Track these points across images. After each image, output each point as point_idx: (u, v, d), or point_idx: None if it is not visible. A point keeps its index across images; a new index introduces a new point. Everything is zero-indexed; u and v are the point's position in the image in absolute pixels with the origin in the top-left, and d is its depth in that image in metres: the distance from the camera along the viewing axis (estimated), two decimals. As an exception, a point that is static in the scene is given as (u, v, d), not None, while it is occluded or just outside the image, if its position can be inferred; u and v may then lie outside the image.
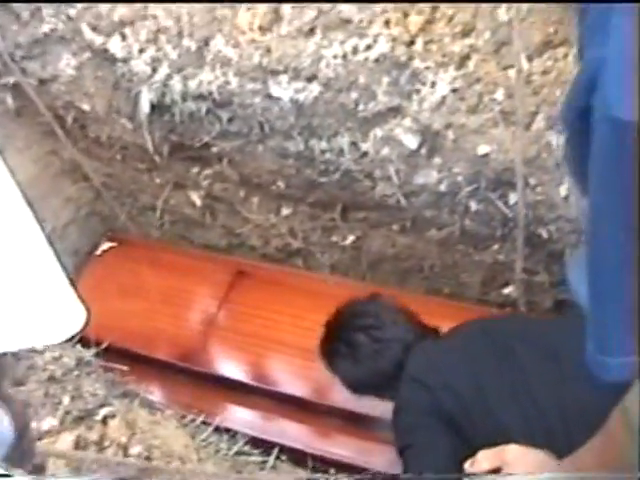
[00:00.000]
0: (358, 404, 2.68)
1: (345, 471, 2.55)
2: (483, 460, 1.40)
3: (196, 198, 3.24)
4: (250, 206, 3.11)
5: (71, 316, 0.88)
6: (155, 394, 2.90)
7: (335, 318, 2.27)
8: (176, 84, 2.65)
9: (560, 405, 1.58)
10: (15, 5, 2.81)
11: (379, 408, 2.56)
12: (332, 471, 2.53)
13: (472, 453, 1.47)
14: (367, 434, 2.76)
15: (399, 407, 1.88)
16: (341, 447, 2.75)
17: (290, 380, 2.97)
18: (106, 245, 3.58)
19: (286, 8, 2.46)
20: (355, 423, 2.79)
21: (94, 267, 3.60)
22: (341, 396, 2.71)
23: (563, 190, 2.33)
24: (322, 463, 2.63)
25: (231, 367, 3.06)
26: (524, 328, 1.92)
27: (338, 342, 2.20)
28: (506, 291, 2.84)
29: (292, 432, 2.82)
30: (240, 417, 2.89)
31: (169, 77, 2.65)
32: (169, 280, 3.38)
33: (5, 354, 0.84)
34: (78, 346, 2.57)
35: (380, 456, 2.62)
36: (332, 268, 3.20)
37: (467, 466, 1.43)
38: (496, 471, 1.34)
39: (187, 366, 3.05)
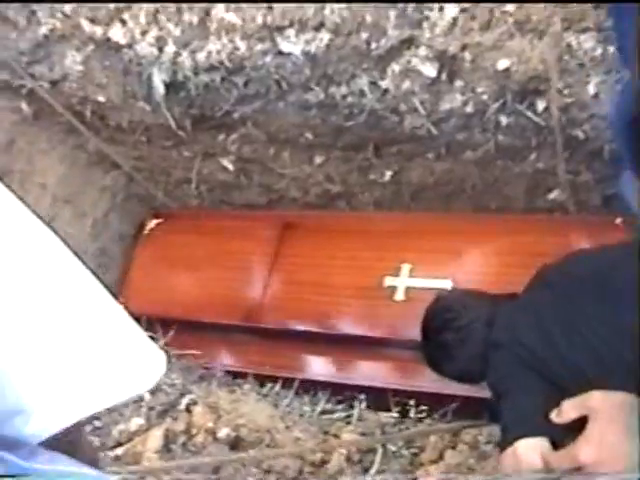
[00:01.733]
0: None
1: (428, 401, 2.57)
2: (569, 410, 1.41)
3: (228, 163, 3.24)
4: (282, 161, 3.11)
5: (151, 359, 0.87)
6: (229, 359, 2.94)
7: (422, 322, 2.26)
8: (185, 60, 2.63)
9: (625, 334, 1.58)
10: (9, 12, 2.80)
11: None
12: (412, 402, 2.54)
13: (558, 397, 1.49)
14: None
15: (489, 369, 1.89)
16: (420, 378, 2.76)
17: (356, 321, 2.99)
18: (153, 222, 3.61)
19: (280, -38, 2.43)
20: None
21: (144, 247, 3.65)
22: (409, 328, 2.74)
23: (591, 88, 2.29)
24: (404, 397, 2.65)
25: (297, 319, 3.08)
26: (578, 266, 1.91)
27: (430, 347, 2.20)
28: (552, 196, 2.82)
29: (369, 372, 2.85)
30: (316, 368, 2.92)
31: (177, 54, 2.63)
32: (220, 245, 3.40)
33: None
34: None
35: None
36: (376, 205, 3.20)
37: (553, 417, 1.45)
38: (583, 418, 1.36)
39: (255, 325, 3.07)
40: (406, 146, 2.78)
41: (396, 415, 2.40)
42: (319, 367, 2.94)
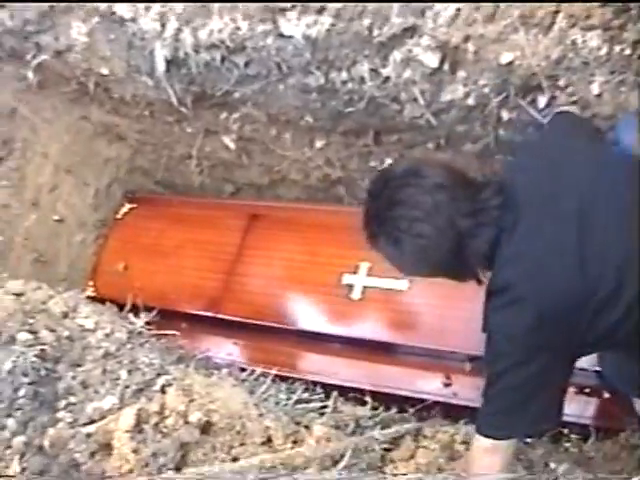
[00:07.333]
0: (384, 334, 2.80)
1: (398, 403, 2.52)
2: None
3: (229, 142, 3.23)
4: (283, 143, 3.09)
5: None
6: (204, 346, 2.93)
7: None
8: (187, 37, 2.62)
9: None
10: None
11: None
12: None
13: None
14: (400, 360, 2.78)
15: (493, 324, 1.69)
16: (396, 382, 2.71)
17: (313, 317, 2.97)
18: (126, 207, 3.62)
19: (284, -58, 2.39)
20: (385, 352, 2.81)
21: (116, 231, 3.65)
22: (364, 327, 2.83)
23: (595, 88, 2.25)
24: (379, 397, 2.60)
25: (257, 312, 3.04)
26: None
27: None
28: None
29: (344, 370, 2.81)
30: (289, 361, 2.88)
31: (179, 31, 2.62)
32: (188, 233, 3.41)
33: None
34: (130, 316, 2.62)
35: (427, 380, 2.66)
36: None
37: None
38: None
39: (215, 316, 3.12)
40: (406, 135, 2.75)
41: (371, 410, 2.36)
42: (291, 361, 2.89)
